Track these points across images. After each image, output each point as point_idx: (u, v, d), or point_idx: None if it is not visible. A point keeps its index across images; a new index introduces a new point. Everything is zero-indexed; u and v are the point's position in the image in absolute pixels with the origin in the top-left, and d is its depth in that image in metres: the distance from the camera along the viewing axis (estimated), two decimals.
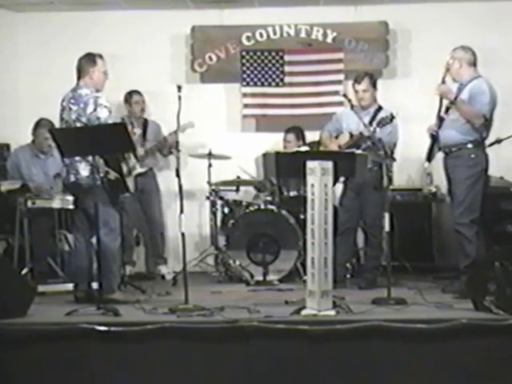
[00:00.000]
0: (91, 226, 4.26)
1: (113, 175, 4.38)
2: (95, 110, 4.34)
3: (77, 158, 4.35)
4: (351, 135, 5.10)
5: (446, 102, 4.66)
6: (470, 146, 4.60)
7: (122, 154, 4.45)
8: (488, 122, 4.64)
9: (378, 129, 4.81)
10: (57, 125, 4.81)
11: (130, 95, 6.11)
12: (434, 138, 4.71)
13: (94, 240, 4.30)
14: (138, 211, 6.01)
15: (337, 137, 5.28)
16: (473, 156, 4.59)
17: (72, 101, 4.43)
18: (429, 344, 3.41)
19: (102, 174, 4.33)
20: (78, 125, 4.38)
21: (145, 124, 6.12)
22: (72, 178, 4.43)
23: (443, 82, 4.62)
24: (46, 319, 3.76)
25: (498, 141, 4.81)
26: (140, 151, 5.60)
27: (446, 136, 4.65)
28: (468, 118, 4.57)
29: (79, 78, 4.50)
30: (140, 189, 5.86)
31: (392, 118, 4.83)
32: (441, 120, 4.67)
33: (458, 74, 4.65)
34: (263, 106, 6.37)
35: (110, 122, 4.34)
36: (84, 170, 4.37)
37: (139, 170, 5.55)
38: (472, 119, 4.56)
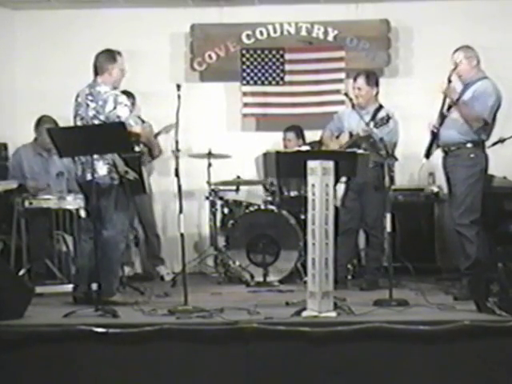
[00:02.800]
0: (100, 226, 4.19)
1: (132, 175, 4.32)
2: (115, 108, 4.27)
3: (95, 156, 4.19)
4: (351, 135, 5.07)
5: (448, 101, 4.62)
6: (469, 145, 4.57)
7: (120, 153, 4.38)
8: (489, 125, 4.60)
9: (374, 129, 4.78)
10: (59, 122, 4.74)
11: None
12: (434, 135, 4.67)
13: (101, 241, 4.22)
14: (132, 212, 5.97)
15: (338, 136, 5.24)
16: (472, 156, 4.56)
17: (90, 97, 4.35)
18: (431, 346, 3.39)
19: (121, 174, 4.27)
20: (96, 122, 4.30)
21: None
22: (88, 177, 4.28)
23: (449, 80, 4.57)
24: (44, 321, 3.73)
25: (501, 140, 4.77)
26: (156, 151, 5.53)
27: (446, 135, 4.62)
28: (467, 120, 4.54)
29: (96, 74, 4.41)
30: None
31: (388, 118, 4.80)
32: (442, 117, 4.63)
33: (467, 73, 4.60)
34: (263, 104, 6.35)
35: (131, 121, 4.26)
36: (101, 169, 4.28)
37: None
38: (471, 122, 4.53)
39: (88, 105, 4.35)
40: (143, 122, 5.42)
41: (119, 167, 4.28)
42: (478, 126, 4.54)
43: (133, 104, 6.02)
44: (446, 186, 4.92)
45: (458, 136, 4.58)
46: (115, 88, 4.40)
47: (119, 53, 4.47)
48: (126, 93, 5.97)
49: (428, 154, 4.73)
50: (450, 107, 4.62)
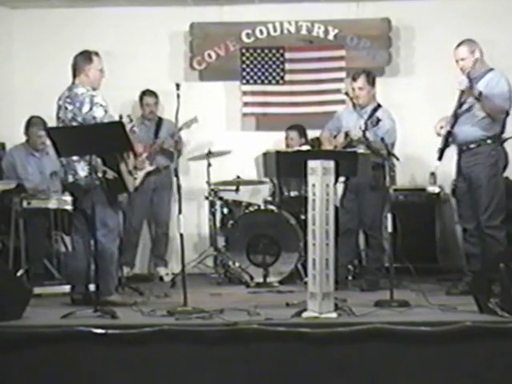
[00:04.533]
0: (90, 226, 4.21)
1: (111, 174, 4.32)
2: (91, 109, 4.30)
3: (74, 158, 4.30)
4: (346, 135, 5.03)
5: (467, 97, 4.51)
6: (489, 141, 4.50)
7: (120, 153, 4.39)
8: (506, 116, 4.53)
9: (366, 130, 4.75)
10: (50, 123, 4.75)
11: (142, 95, 6.08)
12: (448, 136, 4.57)
13: (93, 241, 4.23)
14: (147, 209, 5.96)
15: (335, 136, 5.21)
16: (493, 153, 4.49)
17: (68, 100, 4.38)
18: (432, 347, 3.36)
19: (100, 174, 4.27)
20: (74, 124, 4.32)
21: (158, 123, 6.06)
22: (70, 179, 4.38)
23: (468, 77, 4.47)
24: (42, 322, 3.71)
25: (504, 140, 4.72)
26: (139, 149, 5.50)
27: (464, 132, 4.53)
28: (491, 113, 4.45)
29: (75, 76, 4.44)
30: (153, 187, 5.83)
31: (378, 120, 4.74)
32: (456, 117, 4.54)
33: (473, 66, 4.50)
34: (263, 104, 6.32)
35: (106, 121, 4.28)
36: (82, 170, 4.33)
37: (148, 168, 5.50)
38: (496, 115, 4.45)
39: (66, 107, 4.37)
40: (131, 121, 5.40)
41: (97, 167, 4.27)
42: (501, 117, 4.46)
43: (156, 103, 6.04)
44: (447, 186, 4.88)
45: (478, 132, 4.50)
46: (94, 89, 4.41)
47: (96, 53, 4.47)
48: (148, 92, 6.01)
49: (441, 156, 4.60)
50: (461, 105, 4.52)
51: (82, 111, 4.30)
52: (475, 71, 4.54)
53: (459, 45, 4.58)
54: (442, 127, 4.60)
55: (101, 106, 4.31)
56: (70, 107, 4.35)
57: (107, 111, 4.34)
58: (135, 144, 4.96)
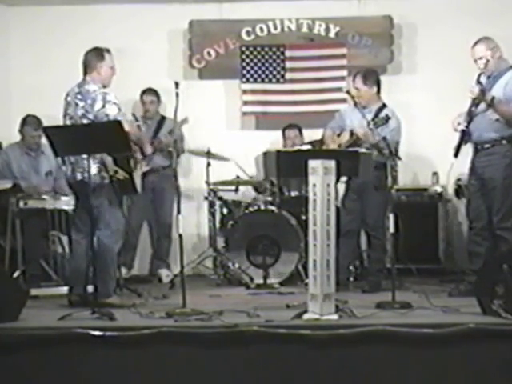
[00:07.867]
0: (93, 226, 4.15)
1: (121, 174, 4.28)
2: (104, 106, 4.25)
3: (84, 156, 4.17)
4: (351, 133, 4.99)
5: (475, 104, 4.42)
6: (504, 142, 4.42)
7: (118, 153, 4.34)
8: None
9: (374, 129, 4.70)
10: (47, 122, 4.70)
11: (142, 94, 6.03)
12: (464, 134, 4.48)
13: (94, 242, 4.18)
14: (148, 211, 5.91)
15: (339, 135, 5.17)
16: (508, 154, 4.42)
17: (79, 96, 4.33)
18: (435, 349, 3.34)
19: (111, 173, 4.23)
20: (85, 121, 4.27)
21: (160, 121, 6.00)
22: (79, 177, 4.30)
23: (479, 82, 4.39)
24: (39, 324, 3.70)
25: None
26: (148, 149, 5.45)
27: (479, 133, 4.46)
28: (507, 117, 4.36)
29: (85, 73, 4.40)
30: (151, 187, 5.77)
31: (387, 118, 4.70)
32: (471, 115, 4.46)
33: (493, 65, 4.41)
34: (263, 103, 6.27)
35: (119, 118, 4.22)
36: (92, 169, 4.22)
37: (144, 168, 5.43)
38: (511, 118, 4.36)
39: (77, 104, 4.33)
40: (137, 120, 5.36)
41: (108, 166, 4.23)
42: None
43: (155, 102, 5.98)
44: (450, 186, 4.83)
45: (492, 132, 4.43)
46: (105, 86, 4.38)
47: (108, 50, 4.44)
48: (148, 90, 5.95)
49: (457, 153, 4.52)
50: (478, 103, 4.44)
51: (94, 108, 4.26)
52: (494, 69, 4.44)
53: (476, 43, 4.48)
54: (459, 123, 4.52)
55: (114, 103, 4.26)
56: (81, 104, 4.30)
57: (121, 109, 4.31)
58: (145, 144, 4.93)
